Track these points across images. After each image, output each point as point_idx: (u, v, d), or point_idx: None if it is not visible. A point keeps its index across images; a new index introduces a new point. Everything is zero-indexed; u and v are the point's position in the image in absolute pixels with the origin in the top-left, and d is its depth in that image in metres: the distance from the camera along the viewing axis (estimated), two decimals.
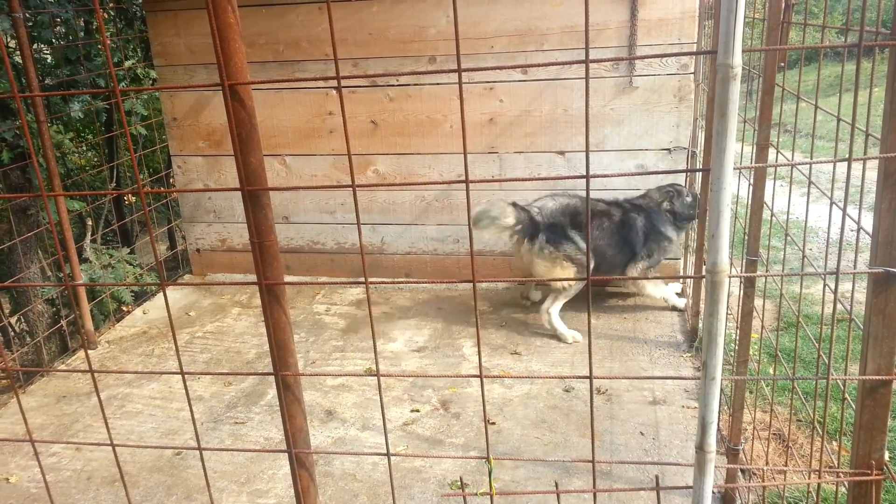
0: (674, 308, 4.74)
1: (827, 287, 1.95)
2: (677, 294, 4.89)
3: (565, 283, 4.44)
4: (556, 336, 4.39)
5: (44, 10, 5.25)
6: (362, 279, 4.70)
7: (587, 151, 1.30)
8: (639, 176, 4.80)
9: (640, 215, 4.62)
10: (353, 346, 4.50)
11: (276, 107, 5.21)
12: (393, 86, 5.00)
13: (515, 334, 4.48)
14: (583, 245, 4.44)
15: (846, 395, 1.92)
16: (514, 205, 4.42)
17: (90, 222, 5.92)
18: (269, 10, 4.97)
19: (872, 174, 1.56)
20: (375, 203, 5.32)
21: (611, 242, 4.59)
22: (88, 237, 5.74)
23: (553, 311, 4.41)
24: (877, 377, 1.55)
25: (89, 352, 4.61)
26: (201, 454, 1.71)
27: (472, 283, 1.42)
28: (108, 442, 1.73)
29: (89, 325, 4.66)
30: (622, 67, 4.62)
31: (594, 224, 4.54)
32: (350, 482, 3.20)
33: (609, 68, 4.63)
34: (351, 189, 1.36)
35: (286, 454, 1.67)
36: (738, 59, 1.22)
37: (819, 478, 1.74)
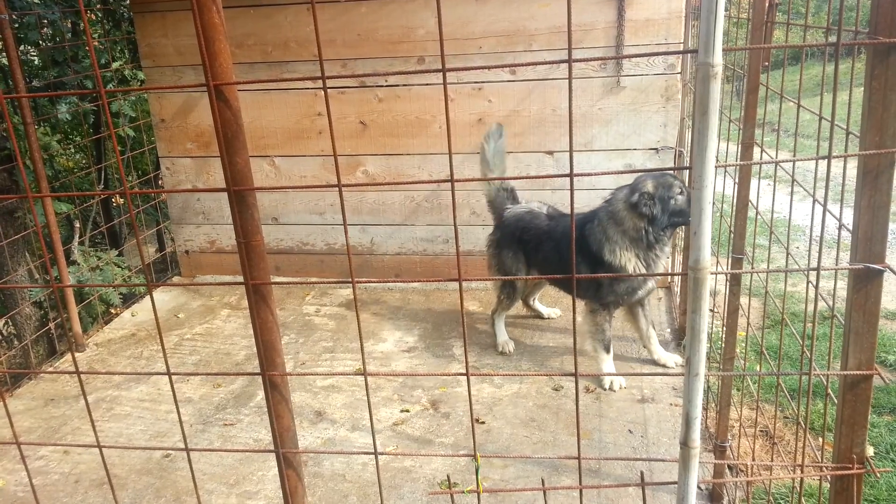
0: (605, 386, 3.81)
1: (810, 284, 1.97)
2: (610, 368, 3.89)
3: (500, 295, 4.25)
4: (495, 341, 4.33)
5: (30, 11, 5.22)
6: (351, 280, 4.72)
7: (570, 150, 1.31)
8: (623, 174, 4.82)
9: (584, 231, 3.75)
10: (343, 346, 4.50)
11: (264, 108, 5.20)
12: (382, 86, 5.01)
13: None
14: (518, 260, 4.13)
15: (829, 391, 1.95)
16: (505, 189, 4.28)
17: (78, 224, 5.89)
18: (257, 10, 4.96)
19: (854, 172, 1.58)
20: (365, 204, 5.32)
21: (556, 267, 3.94)
22: (76, 239, 5.72)
23: (496, 316, 4.32)
24: (857, 372, 1.57)
25: (77, 354, 4.59)
26: (188, 455, 1.72)
27: (458, 283, 1.43)
28: (96, 444, 1.73)
29: (77, 327, 4.64)
30: (610, 67, 4.64)
31: (538, 242, 4.01)
32: (340, 483, 3.20)
33: (597, 68, 4.65)
34: (339, 190, 1.37)
35: (275, 455, 1.67)
36: (718, 58, 1.23)
37: (802, 473, 1.76)
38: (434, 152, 5.08)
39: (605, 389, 3.77)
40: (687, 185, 4.15)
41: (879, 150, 1.46)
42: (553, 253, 3.97)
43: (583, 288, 3.82)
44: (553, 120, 4.83)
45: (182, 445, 3.50)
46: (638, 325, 4.02)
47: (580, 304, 3.99)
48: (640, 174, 3.65)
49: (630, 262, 3.64)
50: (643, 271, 3.57)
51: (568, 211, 4.32)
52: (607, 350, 3.84)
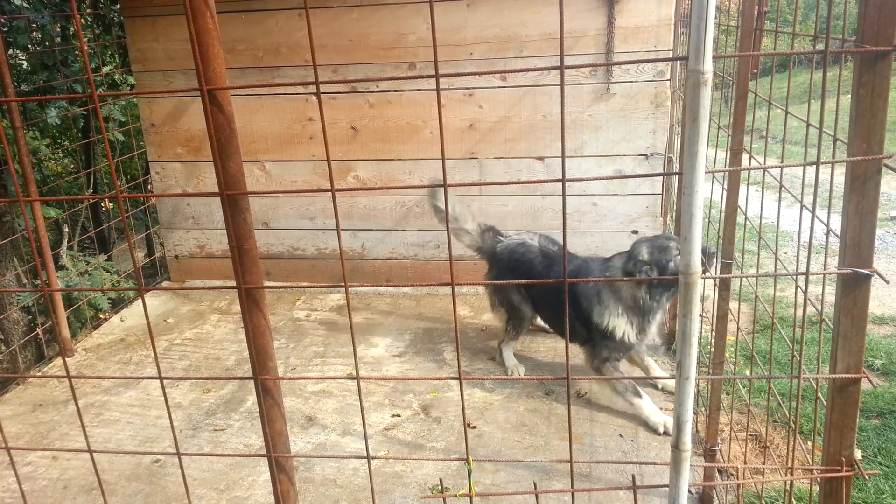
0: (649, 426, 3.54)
1: (799, 289, 1.99)
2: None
3: (506, 327, 4.11)
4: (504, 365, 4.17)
5: (19, 15, 5.20)
6: (342, 284, 4.66)
7: (563, 156, 1.32)
8: (615, 180, 4.85)
9: (577, 288, 3.63)
10: (334, 351, 4.49)
11: (255, 113, 5.20)
12: (373, 92, 5.02)
13: (496, 339, 4.49)
14: (520, 290, 4.01)
15: (819, 395, 1.96)
16: (488, 230, 4.17)
17: (67, 229, 5.86)
18: (248, 16, 4.96)
19: (842, 178, 1.60)
20: (356, 209, 5.32)
21: (551, 308, 3.94)
22: (65, 244, 5.68)
23: (503, 346, 4.16)
24: (846, 375, 1.59)
25: (66, 360, 4.55)
26: (180, 460, 1.71)
27: (451, 287, 1.44)
28: (86, 449, 1.72)
29: (66, 332, 4.60)
30: (600, 74, 4.67)
31: (531, 279, 3.91)
32: (331, 488, 3.19)
33: (587, 75, 4.68)
34: (331, 195, 1.37)
35: (266, 460, 1.67)
36: (708, 65, 1.25)
37: (792, 476, 1.77)
38: (425, 157, 5.09)
39: (659, 434, 3.44)
40: (677, 195, 4.16)
41: (867, 157, 1.48)
42: (549, 296, 3.89)
43: (579, 341, 3.76)
44: (544, 126, 4.85)
45: (172, 450, 3.48)
46: (633, 360, 3.89)
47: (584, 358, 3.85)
48: (636, 241, 3.58)
49: (619, 328, 3.52)
50: (632, 337, 3.53)
51: (556, 231, 4.19)
52: (638, 395, 3.54)
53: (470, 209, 4.19)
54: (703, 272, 3.26)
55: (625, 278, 3.51)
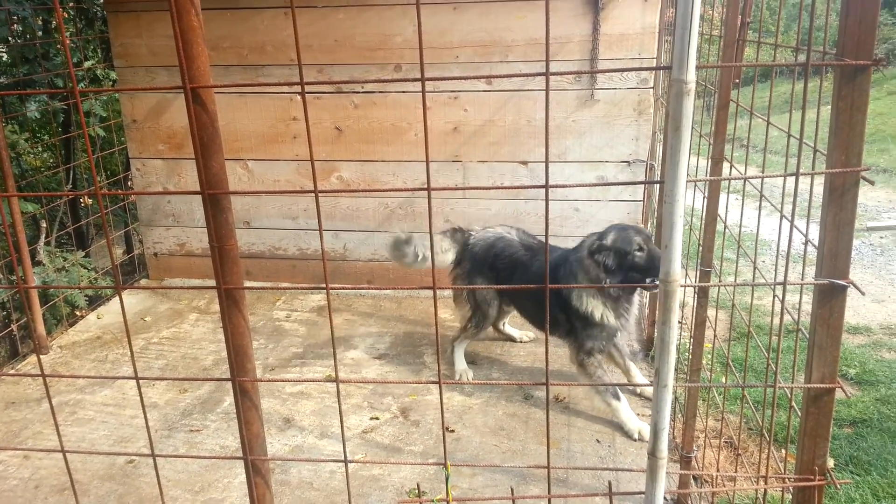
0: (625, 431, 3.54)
1: (776, 298, 2.01)
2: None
3: (467, 325, 4.07)
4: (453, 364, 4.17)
5: (0, 7, 5.12)
6: (323, 285, 4.57)
7: (546, 161, 1.32)
8: (597, 186, 4.87)
9: (558, 275, 3.60)
10: (314, 353, 4.46)
11: (239, 111, 5.16)
12: (358, 92, 5.00)
13: (475, 342, 4.50)
14: (489, 290, 3.94)
15: (793, 403, 1.99)
16: (454, 232, 4.10)
17: (44, 224, 5.77)
18: (233, 13, 4.93)
19: (821, 188, 1.62)
20: (338, 209, 5.30)
21: (532, 300, 3.89)
22: (42, 240, 5.60)
23: (456, 344, 4.13)
24: (821, 385, 1.61)
25: (41, 357, 4.49)
26: (154, 461, 1.69)
27: (432, 291, 1.44)
28: (59, 448, 1.70)
29: (41, 329, 4.54)
30: (584, 80, 4.70)
31: (512, 272, 3.85)
32: (307, 491, 3.17)
33: (571, 81, 4.71)
34: (314, 195, 1.36)
35: (242, 462, 1.66)
36: (691, 75, 1.26)
37: (766, 484, 1.79)
38: (409, 159, 5.08)
39: (634, 440, 3.46)
40: (658, 202, 4.18)
41: (845, 169, 1.50)
42: (529, 290, 3.86)
43: (560, 332, 3.71)
44: (528, 130, 4.86)
45: (147, 451, 3.44)
46: (615, 360, 3.83)
47: (566, 350, 3.86)
48: (612, 224, 3.59)
49: (597, 309, 3.50)
50: (611, 319, 3.51)
51: (537, 235, 4.17)
52: (617, 397, 3.52)
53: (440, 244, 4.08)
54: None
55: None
